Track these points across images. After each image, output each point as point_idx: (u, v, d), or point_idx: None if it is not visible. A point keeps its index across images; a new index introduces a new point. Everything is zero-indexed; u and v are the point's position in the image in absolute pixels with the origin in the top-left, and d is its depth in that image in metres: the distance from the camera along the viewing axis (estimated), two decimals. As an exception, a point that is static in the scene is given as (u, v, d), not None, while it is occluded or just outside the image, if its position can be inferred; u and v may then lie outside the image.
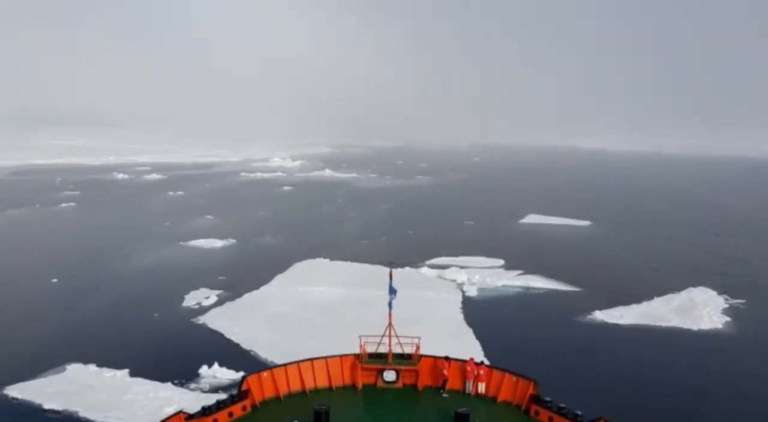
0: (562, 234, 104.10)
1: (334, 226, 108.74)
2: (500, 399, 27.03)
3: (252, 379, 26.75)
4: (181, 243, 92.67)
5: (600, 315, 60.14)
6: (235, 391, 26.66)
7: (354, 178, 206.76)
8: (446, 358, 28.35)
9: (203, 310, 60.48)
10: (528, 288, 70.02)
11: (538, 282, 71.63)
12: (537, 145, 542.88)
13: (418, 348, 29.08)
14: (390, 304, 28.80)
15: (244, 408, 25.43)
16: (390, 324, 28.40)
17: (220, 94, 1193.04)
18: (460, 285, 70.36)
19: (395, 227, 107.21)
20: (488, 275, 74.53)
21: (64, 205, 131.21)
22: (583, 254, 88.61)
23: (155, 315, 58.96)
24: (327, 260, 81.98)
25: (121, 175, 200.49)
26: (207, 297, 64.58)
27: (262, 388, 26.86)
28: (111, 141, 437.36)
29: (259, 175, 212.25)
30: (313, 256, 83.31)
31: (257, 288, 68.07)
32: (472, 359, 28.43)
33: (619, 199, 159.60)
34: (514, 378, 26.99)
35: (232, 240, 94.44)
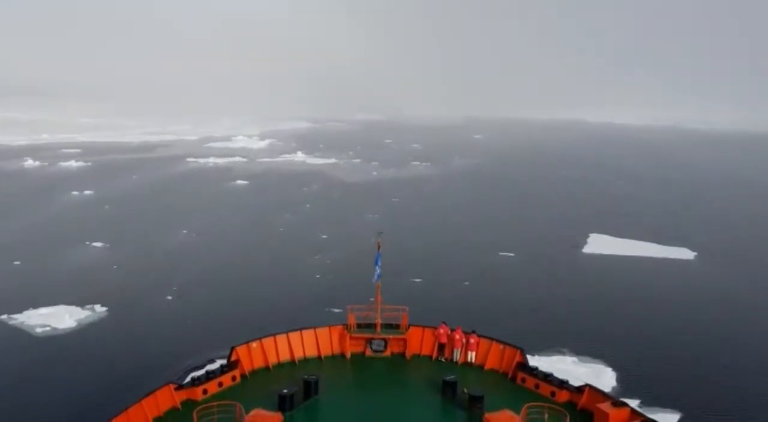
0: (670, 286, 62.56)
1: (289, 268, 66.37)
2: (487, 366, 27.28)
3: (241, 349, 26.65)
4: (5, 316, 50.13)
5: None
6: (224, 361, 26.16)
7: (332, 166, 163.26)
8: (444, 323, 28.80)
9: None
10: None
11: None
12: (538, 119, 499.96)
13: (406, 317, 29.23)
14: (378, 275, 28.84)
15: (233, 378, 25.46)
16: (378, 294, 28.43)
17: (192, 60, 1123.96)
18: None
19: (391, 267, 64.45)
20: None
21: None
22: (754, 350, 47.11)
23: None
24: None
25: (31, 162, 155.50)
26: None
27: (251, 358, 26.83)
28: (60, 114, 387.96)
29: (212, 160, 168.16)
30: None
31: None
32: (459, 328, 28.52)
33: (702, 201, 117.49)
34: (501, 347, 27.34)
35: (98, 311, 52.06)
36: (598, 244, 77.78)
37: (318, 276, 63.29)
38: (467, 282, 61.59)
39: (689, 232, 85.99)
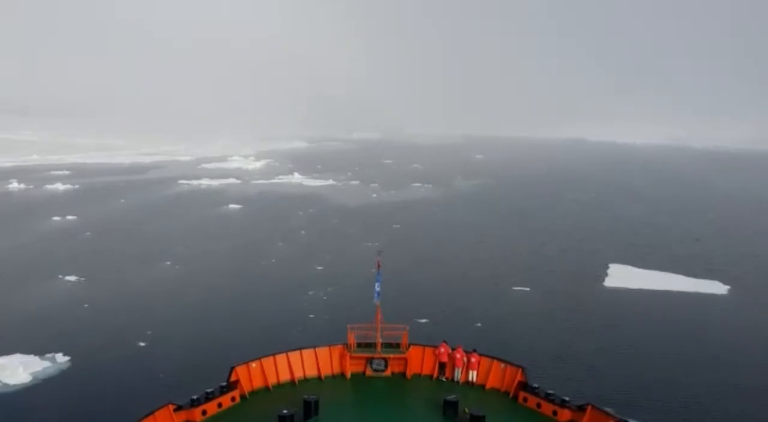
0: (708, 326, 55.92)
1: (280, 304, 59.50)
2: (489, 386, 27.12)
3: (240, 369, 26.49)
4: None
5: None
6: (223, 382, 25.78)
7: (330, 188, 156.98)
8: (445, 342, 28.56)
9: None
10: None
11: None
12: (537, 138, 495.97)
13: (406, 336, 29.01)
14: (377, 294, 28.63)
15: (233, 399, 25.30)
16: (378, 314, 28.21)
17: (189, 77, 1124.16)
18: None
19: (391, 302, 57.72)
20: None
21: None
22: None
23: None
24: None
25: (16, 184, 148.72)
26: None
27: (251, 378, 26.71)
28: (56, 134, 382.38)
29: (205, 182, 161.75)
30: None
31: None
32: (460, 347, 28.28)
33: (723, 225, 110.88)
34: (503, 366, 27.14)
35: (60, 362, 45.24)
36: (621, 277, 71.16)
37: (312, 315, 56.47)
38: (479, 324, 54.77)
39: (716, 261, 79.57)
